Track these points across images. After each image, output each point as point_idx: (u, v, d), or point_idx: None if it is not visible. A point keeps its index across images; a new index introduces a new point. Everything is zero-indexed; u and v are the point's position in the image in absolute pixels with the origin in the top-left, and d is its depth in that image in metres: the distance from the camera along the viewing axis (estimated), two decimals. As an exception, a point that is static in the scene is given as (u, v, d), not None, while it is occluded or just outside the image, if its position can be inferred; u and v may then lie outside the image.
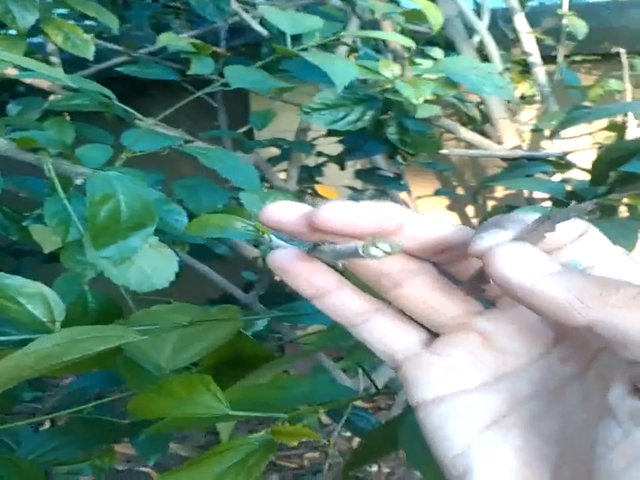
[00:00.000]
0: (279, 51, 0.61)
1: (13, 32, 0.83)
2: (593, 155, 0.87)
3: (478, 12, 1.20)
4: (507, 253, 0.21)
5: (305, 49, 0.59)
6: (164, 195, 0.69)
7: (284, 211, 0.24)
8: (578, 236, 0.24)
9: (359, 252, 0.22)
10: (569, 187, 0.88)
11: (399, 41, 0.65)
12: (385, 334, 0.26)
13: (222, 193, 0.77)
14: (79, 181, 0.64)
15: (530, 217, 0.23)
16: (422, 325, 0.27)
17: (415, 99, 0.67)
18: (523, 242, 0.22)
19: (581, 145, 1.13)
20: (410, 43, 0.66)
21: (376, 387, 0.55)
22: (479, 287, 0.24)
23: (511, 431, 0.24)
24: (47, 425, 1.32)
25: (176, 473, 0.46)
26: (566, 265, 0.23)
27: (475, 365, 0.25)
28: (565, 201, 0.87)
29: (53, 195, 0.63)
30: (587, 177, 0.91)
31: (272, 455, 0.47)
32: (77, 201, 0.65)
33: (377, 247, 0.22)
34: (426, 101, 0.70)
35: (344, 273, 0.26)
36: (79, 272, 0.71)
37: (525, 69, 1.32)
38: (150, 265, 0.64)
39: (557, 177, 1.04)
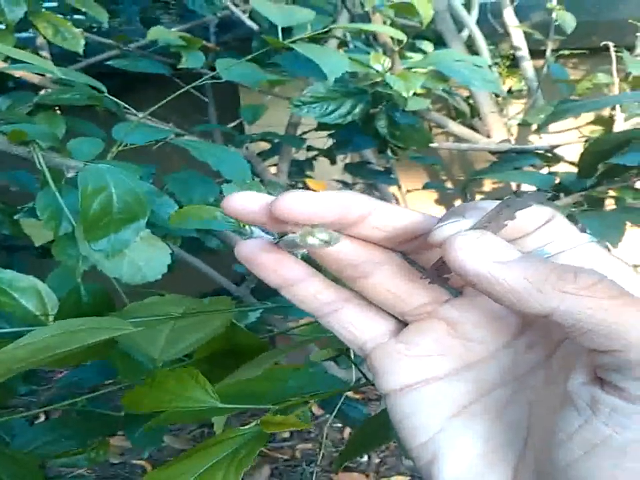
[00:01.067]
0: (270, 43, 0.61)
1: (1, 27, 0.83)
2: (579, 148, 0.88)
3: (467, 6, 1.21)
4: (465, 242, 0.21)
5: (295, 42, 0.59)
6: (156, 188, 0.69)
7: (246, 201, 0.23)
8: (544, 223, 0.23)
9: (297, 242, 0.22)
10: (557, 180, 0.89)
11: (390, 33, 0.66)
12: (353, 323, 0.26)
13: (213, 187, 0.77)
14: (70, 174, 0.64)
15: (491, 205, 0.22)
16: (391, 314, 0.27)
17: (405, 92, 0.68)
18: (482, 230, 0.22)
19: (568, 139, 1.14)
20: (402, 36, 0.67)
21: (366, 378, 0.56)
22: (443, 275, 0.24)
23: (478, 418, 0.25)
24: (42, 418, 1.32)
25: (169, 466, 0.46)
26: (531, 252, 0.23)
27: (442, 353, 0.25)
28: (554, 193, 0.88)
29: (44, 188, 0.63)
30: (574, 169, 0.92)
31: (264, 447, 0.47)
32: (68, 194, 0.65)
33: (315, 237, 0.22)
34: (416, 94, 0.71)
35: (312, 263, 0.26)
36: (70, 265, 0.71)
37: (513, 64, 1.33)
38: (142, 257, 0.64)
39: (544, 171, 1.05)
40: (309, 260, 0.26)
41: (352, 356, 0.82)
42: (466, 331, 0.25)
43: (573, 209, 0.83)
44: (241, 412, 0.53)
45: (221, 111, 1.39)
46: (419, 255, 0.26)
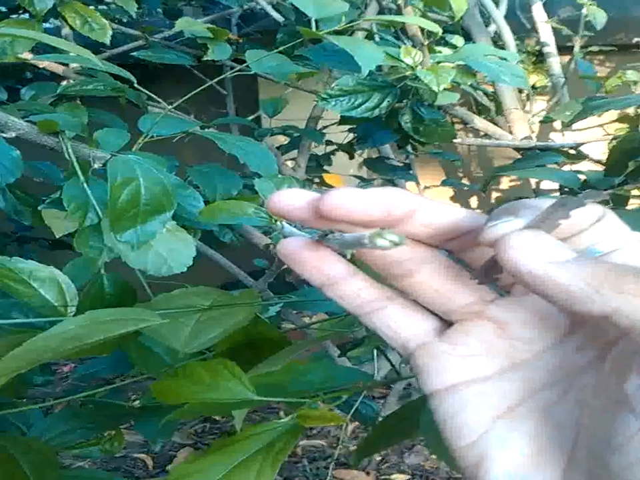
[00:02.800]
0: (305, 35, 0.61)
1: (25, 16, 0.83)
2: (603, 146, 0.87)
3: (495, 1, 1.20)
4: (520, 241, 0.21)
5: (330, 34, 0.58)
6: (181, 180, 0.68)
7: (292, 198, 0.23)
8: (595, 221, 0.23)
9: (365, 242, 0.22)
10: (582, 177, 0.88)
11: (426, 26, 0.65)
12: (397, 322, 0.26)
13: (236, 180, 0.77)
14: (97, 165, 0.64)
15: (544, 203, 0.22)
16: (435, 313, 0.26)
17: (436, 86, 0.67)
18: (537, 229, 0.21)
19: (592, 136, 1.12)
20: (436, 29, 0.66)
21: (397, 372, 0.55)
22: (492, 275, 0.24)
23: (525, 419, 0.24)
24: (57, 409, 1.33)
25: (202, 458, 0.46)
26: (583, 251, 0.23)
27: (489, 353, 0.25)
28: (578, 191, 0.87)
29: (71, 179, 0.63)
30: (597, 168, 0.91)
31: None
32: (95, 185, 0.64)
33: (384, 238, 0.21)
34: (444, 89, 0.70)
35: (354, 261, 0.25)
36: (92, 257, 0.71)
37: (538, 60, 1.32)
38: (168, 249, 0.64)
39: (567, 168, 1.04)
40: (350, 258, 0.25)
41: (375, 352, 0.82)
42: (513, 330, 0.25)
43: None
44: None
45: (239, 104, 1.39)
46: (464, 253, 0.25)
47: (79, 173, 0.59)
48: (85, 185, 0.61)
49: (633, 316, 0.19)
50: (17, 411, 0.73)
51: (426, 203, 0.23)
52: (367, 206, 0.22)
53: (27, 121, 0.58)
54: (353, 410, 0.77)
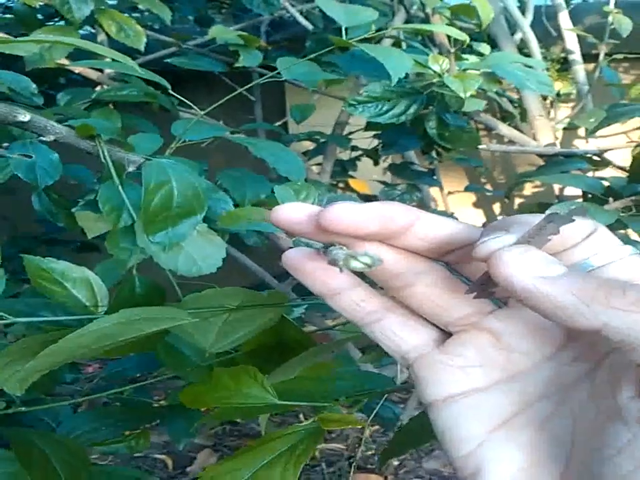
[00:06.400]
0: (335, 43, 0.62)
1: (61, 23, 0.85)
2: (626, 153, 0.87)
3: (521, 8, 1.20)
4: (510, 257, 0.21)
5: (360, 42, 0.60)
6: (212, 184, 0.70)
7: (293, 212, 0.24)
8: (587, 236, 0.23)
9: (340, 264, 0.23)
10: (606, 184, 0.88)
11: (452, 34, 0.66)
12: (396, 333, 0.26)
13: (265, 184, 0.78)
14: (131, 169, 0.66)
15: (535, 218, 0.22)
16: (435, 325, 0.27)
17: (463, 93, 0.68)
18: (527, 245, 0.22)
19: (615, 143, 1.12)
20: (463, 37, 0.67)
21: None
22: (487, 289, 0.24)
23: (521, 431, 0.24)
24: (84, 407, 1.35)
25: (228, 460, 0.47)
26: (576, 266, 0.23)
27: (486, 364, 0.25)
28: (603, 198, 0.88)
29: (106, 182, 0.65)
30: (621, 174, 0.91)
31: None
32: (128, 188, 0.66)
33: (358, 260, 0.22)
34: (470, 96, 0.71)
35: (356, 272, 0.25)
36: (122, 258, 0.73)
37: (562, 67, 1.32)
38: (198, 251, 0.66)
39: (590, 175, 1.04)
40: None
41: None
42: (510, 342, 0.25)
43: (622, 214, 0.82)
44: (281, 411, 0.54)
45: (266, 111, 1.40)
46: (463, 266, 0.26)
47: (114, 175, 0.61)
48: (120, 188, 0.63)
49: (622, 330, 0.20)
50: (47, 407, 0.75)
51: (424, 217, 0.24)
52: (366, 220, 0.23)
53: (64, 125, 0.60)
54: (373, 414, 0.77)
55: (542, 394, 0.25)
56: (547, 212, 0.22)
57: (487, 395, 0.25)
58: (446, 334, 0.26)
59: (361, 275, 0.26)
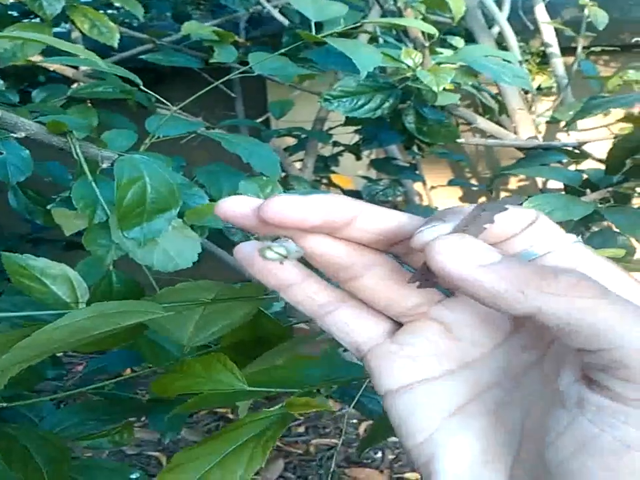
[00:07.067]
0: (304, 37, 0.62)
1: (36, 20, 0.85)
2: (608, 146, 0.88)
3: (498, 2, 1.20)
4: (445, 246, 0.21)
5: (328, 36, 0.60)
6: (187, 179, 0.70)
7: (237, 205, 0.24)
8: (528, 225, 0.23)
9: (262, 255, 0.23)
10: (584, 176, 0.89)
11: (423, 28, 0.66)
12: (349, 325, 0.26)
13: (242, 179, 0.78)
14: (105, 165, 0.66)
15: (468, 209, 0.22)
16: (386, 315, 0.27)
17: (436, 87, 0.68)
18: (462, 234, 0.22)
19: (597, 137, 1.13)
20: (434, 31, 0.67)
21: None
22: (430, 278, 0.24)
23: (474, 418, 0.25)
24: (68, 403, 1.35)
25: (198, 446, 0.47)
26: (517, 255, 0.23)
27: (437, 353, 0.25)
28: (581, 190, 0.88)
29: (80, 178, 0.64)
30: (602, 167, 0.91)
31: (278, 440, 0.48)
32: (103, 184, 0.66)
33: (272, 251, 0.23)
34: (445, 90, 0.71)
35: (308, 264, 0.26)
36: (100, 255, 0.72)
37: (543, 61, 1.32)
38: (174, 246, 0.66)
39: (571, 168, 1.05)
40: (304, 261, 0.26)
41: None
42: (459, 331, 0.25)
43: (600, 205, 0.83)
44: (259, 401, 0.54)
45: (248, 107, 1.40)
46: (412, 257, 0.26)
47: (87, 172, 0.61)
48: (94, 184, 0.63)
49: (555, 314, 0.20)
50: (29, 402, 0.75)
51: (367, 209, 0.24)
52: (306, 213, 0.23)
53: (36, 122, 0.60)
54: (354, 402, 0.77)
55: (494, 382, 0.25)
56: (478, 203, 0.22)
57: (439, 383, 0.25)
58: (399, 325, 0.27)
59: (312, 267, 0.26)
